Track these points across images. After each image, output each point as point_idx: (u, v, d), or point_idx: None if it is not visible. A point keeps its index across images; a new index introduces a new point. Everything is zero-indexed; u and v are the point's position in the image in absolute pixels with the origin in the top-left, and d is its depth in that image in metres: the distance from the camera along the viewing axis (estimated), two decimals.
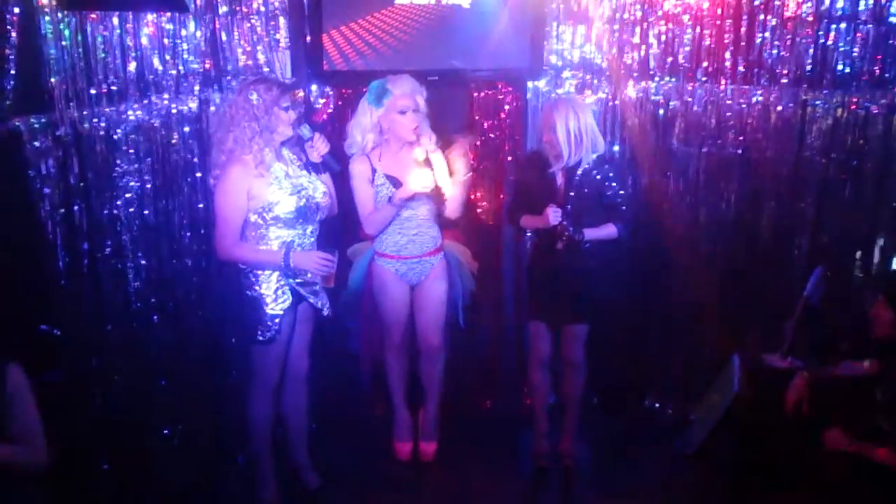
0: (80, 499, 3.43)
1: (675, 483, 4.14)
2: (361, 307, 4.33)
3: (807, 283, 3.95)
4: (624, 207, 3.92)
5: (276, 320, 3.57)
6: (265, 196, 3.46)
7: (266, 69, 4.20)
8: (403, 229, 4.04)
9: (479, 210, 4.79)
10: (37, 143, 3.21)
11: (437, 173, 3.94)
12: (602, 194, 3.90)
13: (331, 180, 3.76)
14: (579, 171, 3.87)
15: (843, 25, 3.98)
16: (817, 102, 4.11)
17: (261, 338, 3.57)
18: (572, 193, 3.88)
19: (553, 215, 3.78)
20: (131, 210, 3.65)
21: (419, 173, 3.70)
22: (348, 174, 3.93)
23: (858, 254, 4.09)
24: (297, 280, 3.62)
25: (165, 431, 3.92)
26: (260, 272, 3.56)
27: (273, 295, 3.57)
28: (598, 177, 3.89)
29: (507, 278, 4.86)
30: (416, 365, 4.39)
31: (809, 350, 3.87)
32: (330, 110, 4.60)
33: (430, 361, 4.29)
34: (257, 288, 3.56)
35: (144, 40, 3.68)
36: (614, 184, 3.92)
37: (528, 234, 4.26)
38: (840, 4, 3.99)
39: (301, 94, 4.41)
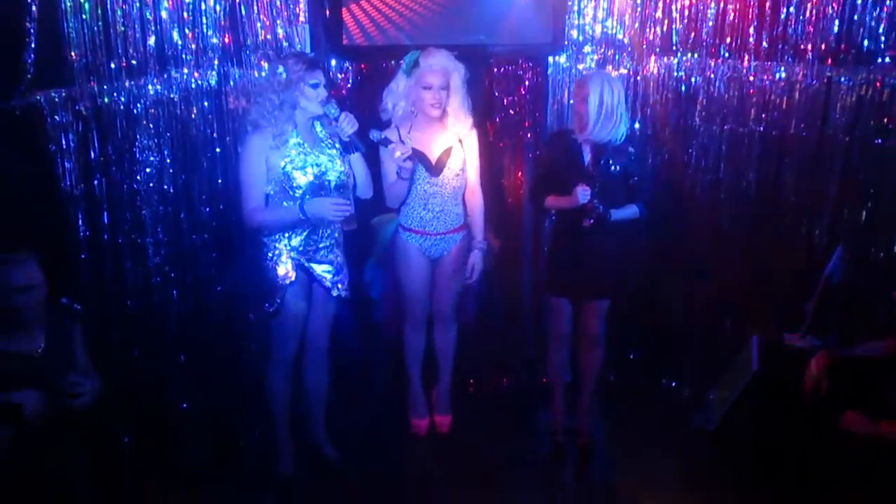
0: (100, 472, 3.47)
1: (691, 461, 4.14)
2: (384, 279, 4.34)
3: (828, 262, 3.91)
4: (643, 185, 3.91)
5: (281, 293, 3.63)
6: (279, 168, 3.51)
7: (285, 44, 4.18)
8: (429, 205, 4.05)
9: (497, 187, 4.76)
10: (57, 118, 3.24)
11: (466, 156, 4.04)
12: (629, 173, 3.89)
13: (363, 162, 3.75)
14: (608, 149, 3.85)
15: (869, 1, 3.90)
16: (842, 79, 4.04)
17: (268, 309, 3.65)
18: (600, 172, 3.85)
19: (582, 194, 3.76)
20: (151, 185, 3.68)
21: (346, 118, 3.60)
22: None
23: (881, 234, 4.02)
24: (307, 257, 3.65)
25: (184, 405, 3.96)
26: (271, 246, 3.61)
27: (278, 268, 3.63)
28: (625, 156, 3.87)
29: (525, 255, 4.85)
30: (430, 339, 4.40)
31: (829, 330, 3.84)
32: (349, 85, 4.58)
33: (443, 332, 4.34)
34: (267, 261, 3.63)
35: (164, 14, 3.69)
36: (637, 161, 3.91)
37: (553, 215, 4.22)
38: None
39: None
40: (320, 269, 3.71)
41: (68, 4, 3.26)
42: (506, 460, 4.21)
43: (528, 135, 4.71)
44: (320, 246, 3.69)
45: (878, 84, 3.93)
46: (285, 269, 3.63)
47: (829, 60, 4.07)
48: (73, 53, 3.30)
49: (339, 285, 3.78)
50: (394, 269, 4.24)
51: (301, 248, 3.65)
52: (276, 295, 3.64)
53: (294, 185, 3.54)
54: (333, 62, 4.42)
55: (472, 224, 4.17)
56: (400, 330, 4.37)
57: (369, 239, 4.29)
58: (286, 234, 3.61)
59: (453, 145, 4.02)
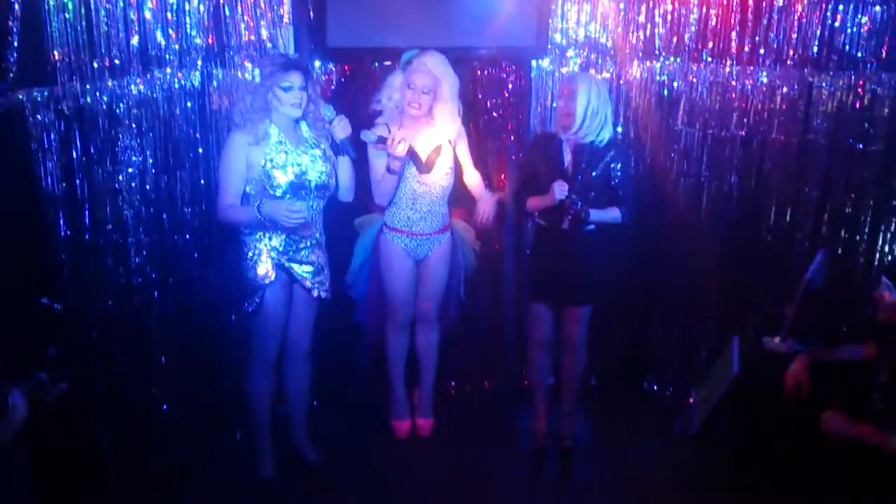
0: (79, 473, 3.44)
1: (673, 464, 4.16)
2: (367, 279, 4.33)
3: (809, 266, 3.94)
4: (626, 190, 3.93)
5: (260, 293, 3.63)
6: (259, 167, 3.53)
7: (269, 45, 4.16)
8: (416, 205, 4.07)
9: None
10: (39, 117, 3.22)
11: (459, 154, 4.14)
12: (610, 177, 3.90)
13: (349, 165, 3.76)
14: (589, 151, 3.87)
15: (850, 7, 3.93)
16: (823, 84, 4.08)
17: (247, 308, 3.66)
18: (580, 173, 3.86)
19: (559, 190, 3.77)
20: (133, 185, 3.65)
21: (340, 121, 3.63)
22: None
23: (862, 238, 4.06)
24: (287, 257, 3.65)
25: (164, 406, 3.93)
26: (251, 245, 3.63)
27: (258, 268, 3.63)
28: (607, 159, 3.88)
29: (508, 258, 4.85)
30: (412, 341, 4.40)
31: (809, 333, 3.87)
32: (332, 87, 4.57)
33: (425, 332, 4.36)
34: (247, 261, 3.64)
35: (148, 14, 3.66)
36: (620, 165, 3.92)
37: (535, 218, 4.23)
38: None
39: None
40: (300, 270, 3.70)
41: (51, 3, 3.22)
42: (488, 463, 4.21)
43: (512, 137, 4.71)
44: (300, 246, 3.68)
45: (858, 90, 3.97)
46: (265, 268, 3.63)
47: (811, 66, 4.11)
48: (55, 53, 3.27)
49: (320, 286, 3.78)
50: (378, 270, 4.24)
51: (281, 248, 3.64)
52: (255, 294, 3.64)
53: (274, 184, 3.54)
54: (318, 63, 4.40)
55: (476, 191, 4.24)
56: (382, 332, 4.37)
57: (352, 240, 4.28)
58: (266, 234, 3.60)
59: (442, 144, 4.03)
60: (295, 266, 3.68)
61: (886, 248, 3.99)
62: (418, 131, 4.00)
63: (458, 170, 4.19)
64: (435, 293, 4.26)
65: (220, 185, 3.58)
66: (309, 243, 3.70)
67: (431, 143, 4.02)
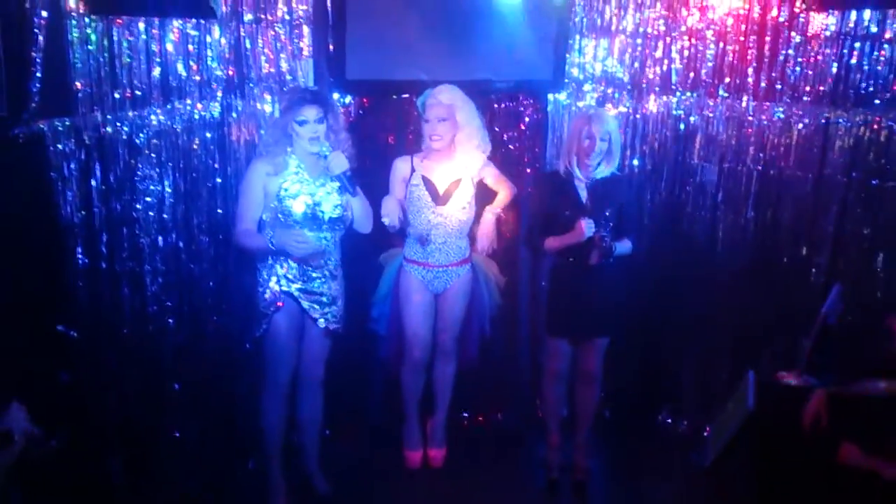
0: (90, 500, 3.45)
1: (687, 498, 4.12)
2: (389, 314, 4.34)
3: (825, 300, 3.91)
4: (633, 220, 3.96)
5: (267, 319, 3.69)
6: (274, 196, 3.61)
7: (289, 77, 4.22)
8: (432, 236, 4.09)
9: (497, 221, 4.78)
10: (60, 146, 3.26)
11: (491, 186, 4.21)
12: (623, 207, 3.92)
13: (362, 198, 3.77)
14: (602, 184, 3.88)
15: (867, 44, 3.94)
16: (839, 121, 4.07)
17: (256, 333, 3.73)
18: (599, 209, 3.88)
19: (587, 227, 3.78)
20: (150, 213, 3.69)
21: (335, 157, 3.62)
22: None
23: (878, 273, 4.03)
24: (299, 287, 3.68)
25: (177, 434, 3.94)
26: (262, 272, 3.70)
27: (267, 294, 3.69)
28: (619, 192, 3.91)
29: (523, 290, 4.85)
30: (429, 373, 4.40)
31: (826, 368, 3.83)
32: (351, 119, 4.62)
33: (442, 365, 4.35)
34: (258, 286, 3.72)
35: (169, 46, 3.73)
36: (629, 196, 3.95)
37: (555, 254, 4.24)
38: (865, 23, 3.95)
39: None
40: (309, 299, 3.72)
41: (75, 34, 3.29)
42: (500, 496, 4.19)
43: (528, 170, 4.74)
44: (313, 276, 3.71)
45: (875, 126, 3.96)
46: (274, 295, 3.68)
47: (827, 101, 4.11)
48: (77, 83, 3.33)
49: (330, 318, 3.80)
50: (397, 304, 4.26)
51: (292, 277, 3.68)
52: (262, 320, 3.70)
53: (288, 213, 3.59)
54: (336, 96, 4.45)
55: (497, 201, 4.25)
56: (399, 369, 4.35)
57: (377, 274, 4.33)
58: (279, 262, 3.65)
59: (462, 178, 4.07)
60: (304, 296, 3.71)
61: None
62: (442, 163, 4.08)
63: (478, 205, 4.20)
64: (452, 324, 4.26)
65: (238, 212, 3.68)
66: (323, 273, 3.73)
67: (450, 177, 4.06)
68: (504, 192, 4.26)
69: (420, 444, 4.46)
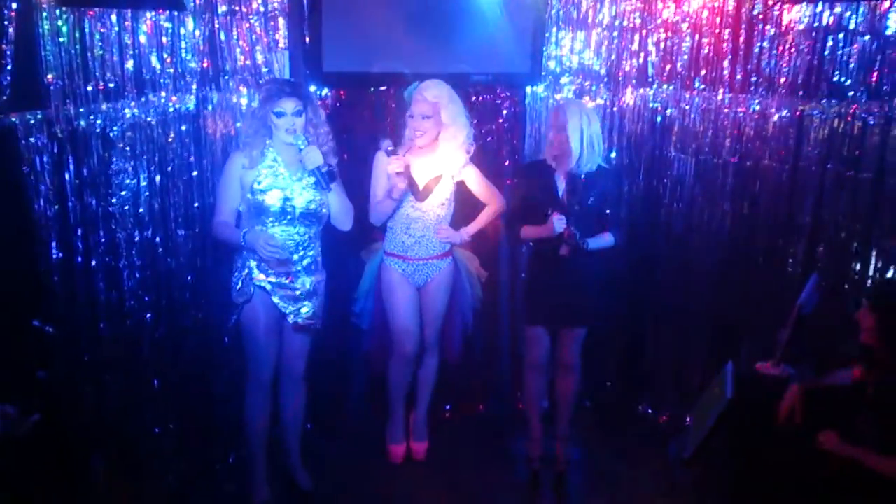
0: (70, 497, 3.42)
1: (667, 488, 4.14)
2: (372, 308, 4.33)
3: (801, 291, 3.94)
4: (617, 214, 3.96)
5: (238, 310, 3.69)
6: (248, 188, 3.60)
7: (265, 69, 4.19)
8: (410, 230, 4.09)
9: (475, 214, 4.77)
10: (32, 139, 3.21)
11: (471, 187, 4.18)
12: (605, 201, 3.92)
13: (340, 194, 3.75)
14: (582, 178, 3.88)
15: (840, 36, 3.96)
16: (814, 112, 4.10)
17: (228, 324, 3.76)
18: (575, 200, 3.88)
19: (558, 222, 3.79)
20: (126, 207, 3.66)
21: (309, 151, 3.59)
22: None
23: (853, 263, 4.07)
24: (273, 280, 3.66)
25: (156, 430, 3.91)
26: (238, 263, 3.70)
27: (238, 285, 3.69)
28: (599, 185, 3.91)
29: (503, 283, 4.86)
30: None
31: (802, 358, 3.86)
32: (328, 112, 4.59)
33: (425, 358, 4.35)
34: (232, 277, 3.71)
35: (142, 38, 3.69)
36: (611, 190, 3.95)
37: (531, 243, 4.25)
38: (838, 14, 3.97)
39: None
40: (282, 294, 3.69)
41: (46, 27, 3.24)
42: (482, 487, 4.20)
43: (506, 162, 4.75)
44: (298, 269, 3.68)
45: (849, 117, 3.99)
46: (247, 286, 3.66)
47: (802, 94, 4.13)
48: (49, 76, 3.28)
49: (300, 313, 3.74)
50: (381, 299, 4.24)
51: (266, 270, 3.65)
52: (233, 311, 3.71)
53: (260, 206, 3.58)
54: (313, 88, 4.43)
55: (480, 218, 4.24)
56: (386, 362, 4.32)
57: (359, 269, 4.31)
58: (254, 255, 3.61)
59: (443, 174, 4.06)
60: (278, 290, 3.68)
61: (877, 274, 3.98)
62: (424, 159, 4.06)
63: (456, 202, 4.19)
64: (435, 318, 4.26)
65: (217, 203, 3.70)
66: (296, 269, 3.69)
67: (431, 172, 4.05)
68: (491, 209, 4.24)
69: (403, 438, 4.45)
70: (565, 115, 3.84)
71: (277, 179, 3.60)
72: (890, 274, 3.96)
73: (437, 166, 4.08)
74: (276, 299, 3.68)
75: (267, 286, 3.66)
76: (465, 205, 4.25)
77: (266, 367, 3.76)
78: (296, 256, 3.67)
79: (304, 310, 3.75)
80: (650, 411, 4.89)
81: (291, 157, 3.64)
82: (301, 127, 3.58)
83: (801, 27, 4.10)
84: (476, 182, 4.20)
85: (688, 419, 4.39)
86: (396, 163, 3.86)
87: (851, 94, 3.96)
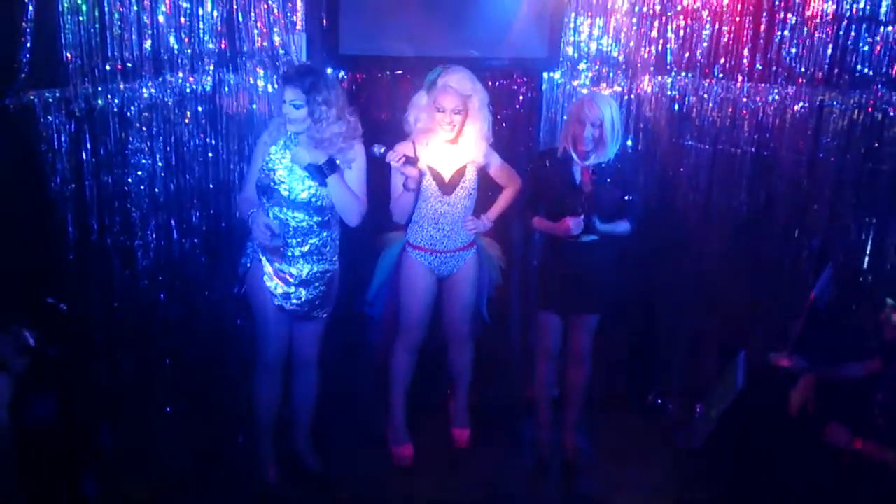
0: (80, 473, 3.45)
1: (675, 478, 4.13)
2: (387, 298, 4.27)
3: (816, 283, 3.93)
4: (634, 202, 3.93)
5: (242, 281, 3.70)
6: (258, 167, 3.57)
7: (282, 51, 4.18)
8: (439, 224, 4.01)
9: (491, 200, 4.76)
10: (50, 118, 3.24)
11: (495, 178, 4.12)
12: (625, 189, 3.91)
13: (342, 188, 3.55)
14: (600, 168, 3.86)
15: (862, 26, 3.93)
16: (834, 103, 4.07)
17: (235, 292, 3.77)
18: (595, 192, 3.86)
19: (575, 225, 3.78)
20: (142, 187, 3.67)
21: (297, 152, 3.49)
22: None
23: (869, 256, 4.04)
24: (274, 260, 3.62)
25: (167, 409, 3.94)
26: (251, 235, 3.61)
27: (245, 258, 3.69)
28: (617, 174, 3.89)
29: (515, 271, 4.85)
30: (446, 360, 4.39)
31: (814, 350, 3.85)
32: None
33: (459, 352, 4.32)
34: (246, 249, 3.69)
35: (161, 18, 3.69)
36: (629, 178, 3.94)
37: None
38: (861, 5, 3.94)
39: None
40: (277, 276, 3.63)
41: (65, 5, 3.26)
42: (490, 474, 4.19)
43: (522, 148, 4.72)
44: (294, 254, 3.62)
45: (869, 108, 3.96)
46: (251, 259, 3.65)
47: (822, 84, 4.10)
48: (68, 54, 3.30)
49: (290, 298, 3.67)
50: (398, 289, 4.17)
51: (272, 250, 3.60)
52: (239, 282, 3.71)
53: (263, 186, 3.54)
54: (329, 71, 4.42)
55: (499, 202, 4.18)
56: (391, 351, 4.26)
57: (375, 257, 4.25)
58: None
59: (467, 165, 3.97)
60: (274, 271, 3.64)
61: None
62: (447, 150, 3.94)
63: (480, 190, 4.11)
64: (462, 310, 4.20)
65: (245, 176, 3.72)
66: (298, 252, 3.62)
67: (456, 164, 3.96)
68: (510, 190, 4.16)
69: (406, 438, 4.34)
70: (600, 109, 3.76)
71: (282, 162, 3.54)
72: None
73: (460, 157, 3.97)
74: (267, 280, 3.64)
75: (271, 265, 3.63)
76: (480, 190, 4.22)
77: (273, 350, 3.75)
78: (293, 241, 3.60)
79: (294, 297, 3.68)
80: (660, 401, 4.87)
81: (298, 142, 3.57)
82: (300, 119, 3.45)
83: (824, 16, 4.06)
84: (497, 167, 4.11)
85: (698, 409, 4.37)
86: (394, 155, 3.67)
87: (872, 85, 3.93)
